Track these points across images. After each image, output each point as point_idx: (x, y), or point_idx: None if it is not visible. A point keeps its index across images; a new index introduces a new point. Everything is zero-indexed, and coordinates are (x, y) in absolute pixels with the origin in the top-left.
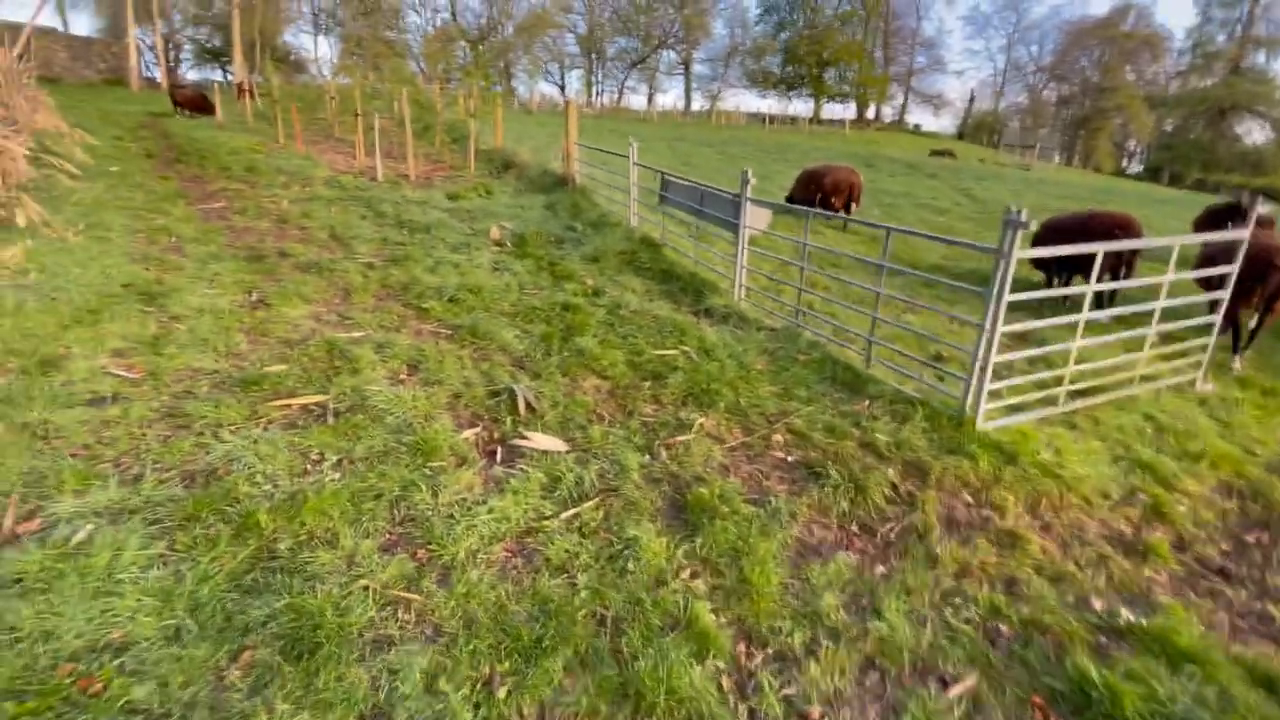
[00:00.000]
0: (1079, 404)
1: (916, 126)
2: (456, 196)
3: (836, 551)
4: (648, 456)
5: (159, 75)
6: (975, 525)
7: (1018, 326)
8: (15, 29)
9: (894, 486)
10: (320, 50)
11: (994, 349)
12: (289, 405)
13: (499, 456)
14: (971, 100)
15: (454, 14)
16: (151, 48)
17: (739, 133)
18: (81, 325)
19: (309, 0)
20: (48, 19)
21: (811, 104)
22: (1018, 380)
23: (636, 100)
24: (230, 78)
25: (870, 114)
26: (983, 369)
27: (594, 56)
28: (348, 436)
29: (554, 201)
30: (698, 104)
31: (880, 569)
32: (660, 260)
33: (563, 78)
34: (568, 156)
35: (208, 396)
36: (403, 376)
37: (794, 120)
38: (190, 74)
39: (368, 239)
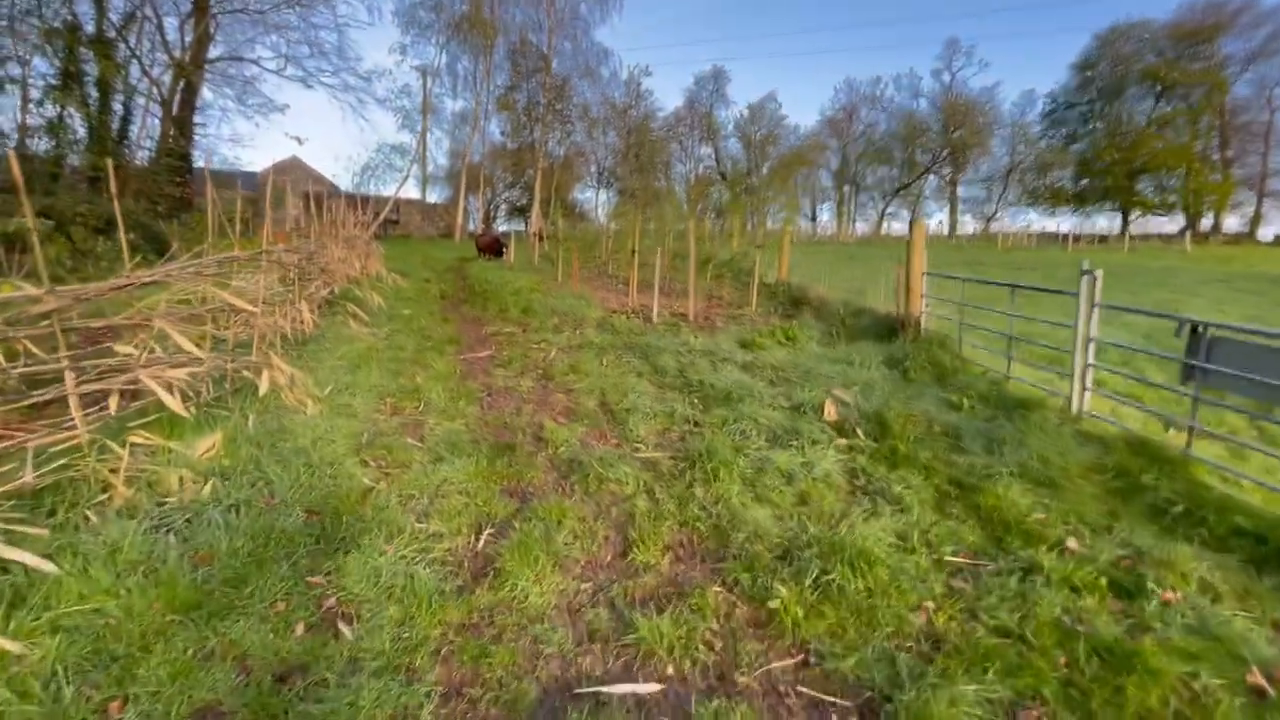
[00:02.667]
0: None
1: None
2: (751, 345)
3: None
4: None
5: (477, 229)
6: None
7: None
8: (383, 200)
9: None
10: (600, 199)
11: None
12: None
13: None
14: None
15: (718, 160)
16: (478, 209)
17: (1039, 255)
18: (185, 626)
19: (595, 162)
20: (414, 192)
21: (1117, 219)
22: None
23: (897, 226)
24: (528, 227)
25: (1206, 225)
26: None
27: (849, 187)
28: None
29: (897, 355)
30: (969, 227)
31: None
32: (1201, 495)
33: (814, 210)
34: (908, 292)
35: None
36: None
37: (1104, 239)
38: (502, 226)
39: (647, 413)
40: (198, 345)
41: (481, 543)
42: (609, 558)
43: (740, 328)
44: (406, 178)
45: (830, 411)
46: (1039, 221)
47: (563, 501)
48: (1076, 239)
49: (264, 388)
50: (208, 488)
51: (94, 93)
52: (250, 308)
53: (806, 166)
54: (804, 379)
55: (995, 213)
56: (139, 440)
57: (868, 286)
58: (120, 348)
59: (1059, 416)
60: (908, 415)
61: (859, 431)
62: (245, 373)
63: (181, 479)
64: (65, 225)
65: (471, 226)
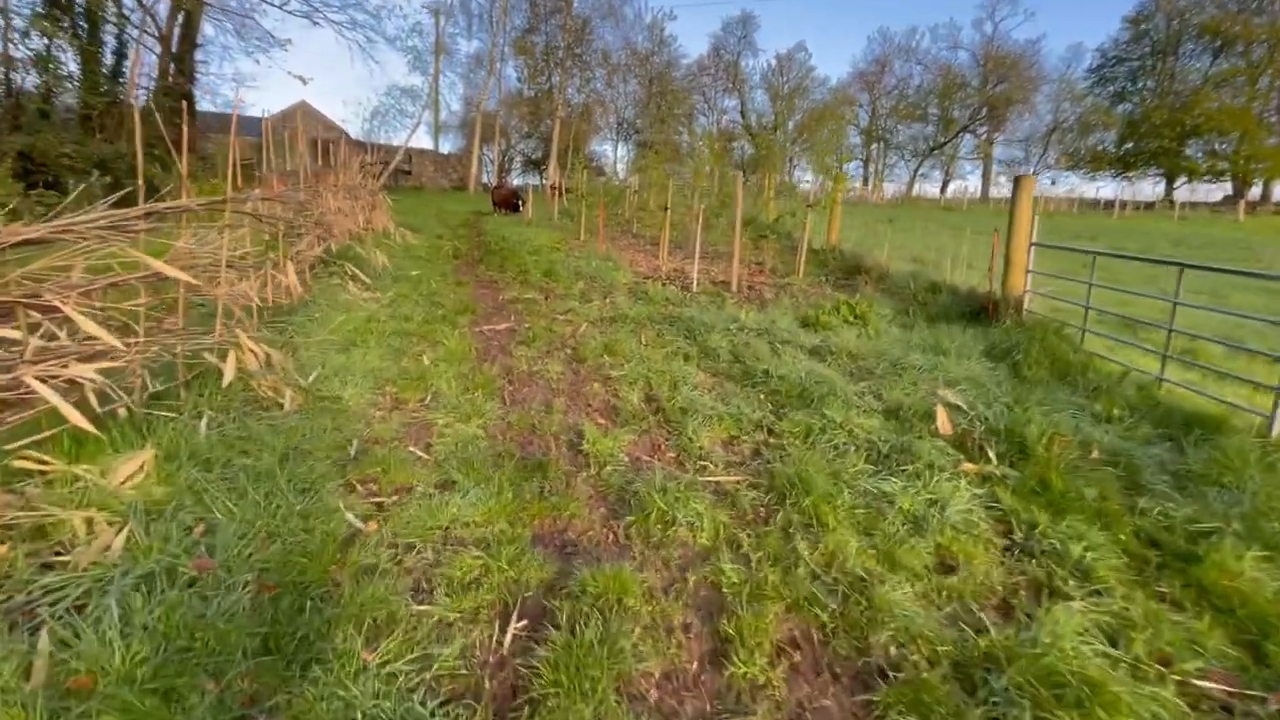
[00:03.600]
0: None
1: None
2: (815, 324)
3: None
4: None
5: (492, 180)
6: None
7: None
8: (393, 150)
9: None
10: (619, 153)
11: None
12: None
13: None
14: None
15: (744, 112)
16: (493, 160)
17: (1089, 222)
18: None
19: (614, 112)
20: (426, 142)
21: (1159, 185)
22: None
23: (929, 189)
24: (545, 181)
25: (1255, 194)
26: None
27: (877, 145)
28: None
29: (1000, 345)
30: (1004, 190)
31: None
32: None
33: (839, 168)
34: (1008, 265)
35: None
36: None
37: (1150, 206)
38: (516, 180)
39: (709, 415)
40: (128, 325)
41: (508, 641)
42: (695, 667)
43: (793, 300)
44: (418, 124)
45: (944, 423)
46: (1079, 186)
47: (621, 567)
48: (1123, 205)
49: (228, 376)
50: (121, 537)
51: (85, 24)
52: (182, 275)
53: (836, 122)
54: (892, 372)
55: (1034, 176)
56: (27, 465)
57: (926, 253)
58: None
59: (1260, 442)
60: (1053, 433)
61: (989, 453)
62: (208, 356)
63: (90, 523)
64: (50, 168)
65: (485, 178)
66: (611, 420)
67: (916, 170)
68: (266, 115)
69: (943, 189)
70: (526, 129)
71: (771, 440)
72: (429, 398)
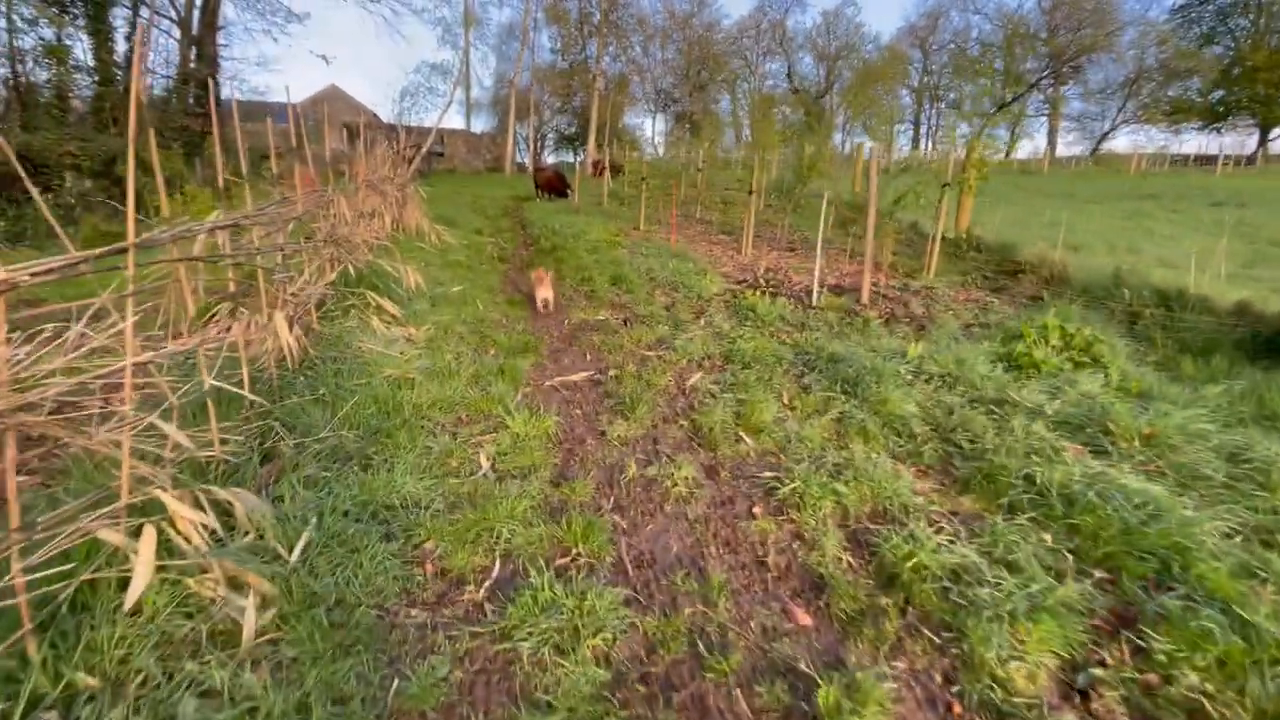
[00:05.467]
0: None
1: None
2: (1023, 364)
3: None
4: None
5: (526, 160)
6: None
7: None
8: (425, 132)
9: None
10: (655, 126)
11: None
12: None
13: None
14: None
15: (790, 75)
16: (525, 139)
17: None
18: None
19: (651, 81)
20: (458, 121)
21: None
22: None
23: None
24: (581, 158)
25: None
26: None
27: (929, 106)
28: None
29: None
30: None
31: None
32: None
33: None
34: None
35: None
36: None
37: (1247, 161)
38: (550, 158)
39: (994, 601)
40: None
41: None
42: None
43: (953, 314)
44: (450, 103)
45: None
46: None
47: None
48: (1225, 161)
49: (135, 591)
50: None
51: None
52: None
53: (887, 81)
54: (1251, 479)
55: (1109, 131)
56: None
57: (1084, 239)
58: None
59: None
60: None
61: None
62: (105, 538)
63: None
64: (52, 169)
65: (519, 158)
66: (822, 620)
67: (982, 130)
68: (289, 101)
69: (1007, 152)
70: (559, 104)
71: (1150, 686)
72: (495, 564)
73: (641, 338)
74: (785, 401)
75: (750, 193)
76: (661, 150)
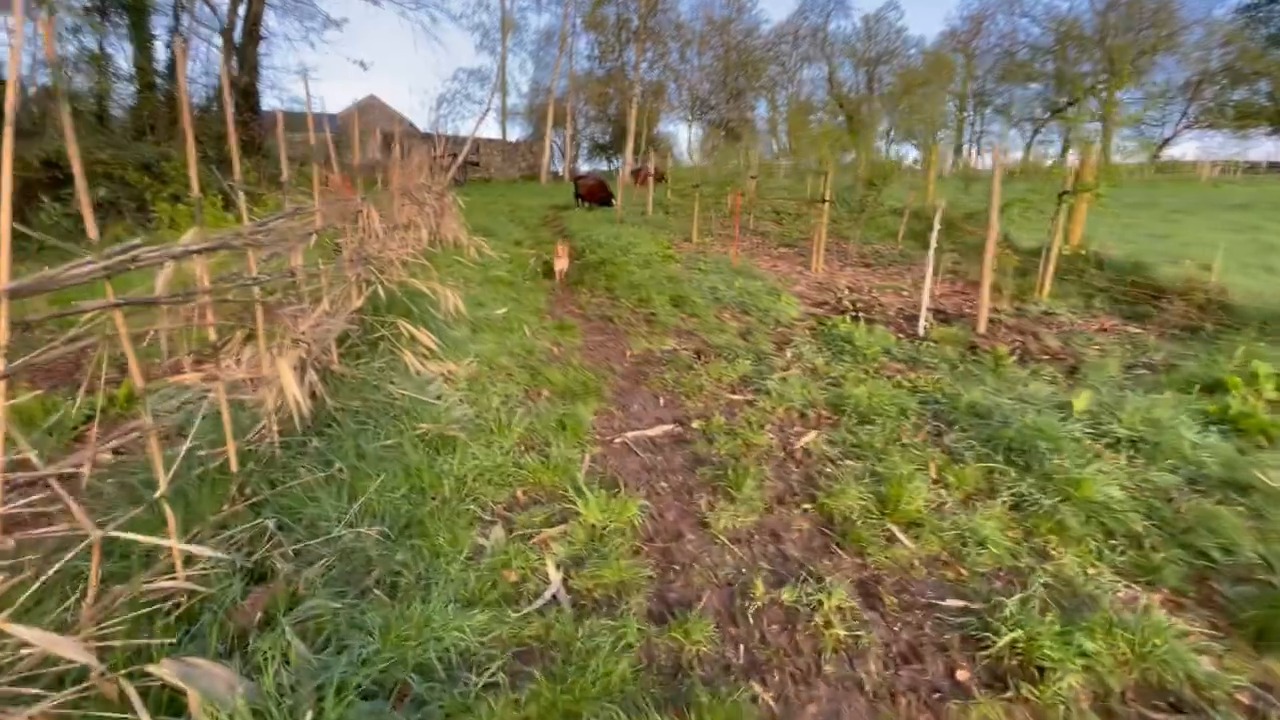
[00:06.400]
0: None
1: None
2: (1240, 424)
3: None
4: None
5: (561, 169)
6: None
7: None
8: (461, 141)
9: None
10: (690, 134)
11: None
12: None
13: None
14: None
15: (831, 81)
16: (560, 147)
17: (1271, 189)
18: None
19: (687, 88)
20: (493, 130)
21: None
22: None
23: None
24: (619, 165)
25: None
26: None
27: (973, 111)
28: None
29: None
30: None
31: None
32: None
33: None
34: None
35: None
36: None
37: None
38: (584, 166)
39: None
40: None
41: None
42: None
43: (1096, 348)
44: (488, 110)
45: None
46: (1230, 148)
47: None
48: None
49: None
50: None
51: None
52: None
53: (932, 85)
54: None
55: (1172, 137)
56: None
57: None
58: None
59: None
60: None
61: None
62: None
63: None
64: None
65: (554, 167)
66: None
67: (1034, 136)
68: (314, 111)
69: (1062, 155)
70: (594, 112)
71: None
72: None
73: (722, 376)
74: (931, 474)
75: (823, 201)
76: (696, 158)
